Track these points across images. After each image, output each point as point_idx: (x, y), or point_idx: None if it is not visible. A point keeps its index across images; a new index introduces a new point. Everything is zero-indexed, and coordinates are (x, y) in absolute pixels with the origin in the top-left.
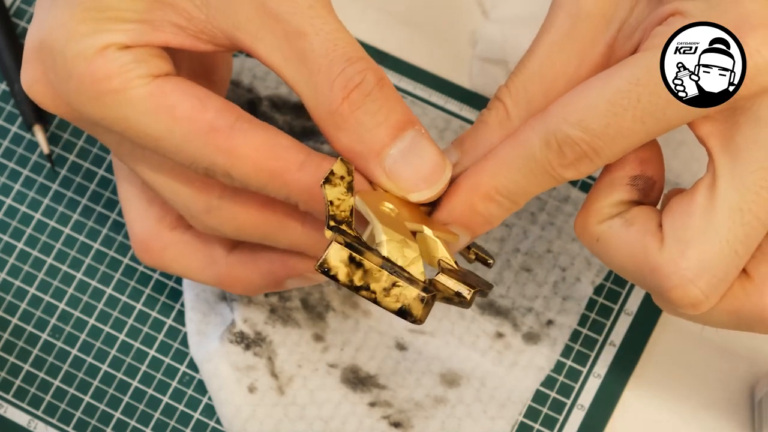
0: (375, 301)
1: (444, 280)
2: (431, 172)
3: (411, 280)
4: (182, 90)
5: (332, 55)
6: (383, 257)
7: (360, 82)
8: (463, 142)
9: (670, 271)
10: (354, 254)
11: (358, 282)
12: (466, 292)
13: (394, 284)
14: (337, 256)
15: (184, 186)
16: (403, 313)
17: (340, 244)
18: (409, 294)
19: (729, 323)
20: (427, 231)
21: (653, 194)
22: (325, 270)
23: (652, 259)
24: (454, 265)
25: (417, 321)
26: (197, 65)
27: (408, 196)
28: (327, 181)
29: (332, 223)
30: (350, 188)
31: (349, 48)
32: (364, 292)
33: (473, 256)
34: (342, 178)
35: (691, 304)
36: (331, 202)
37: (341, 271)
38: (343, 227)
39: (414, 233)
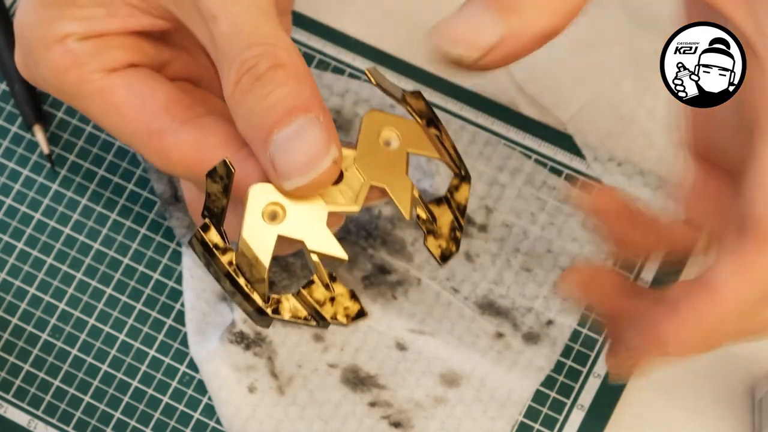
0: (229, 297)
1: (299, 300)
2: (307, 160)
3: (248, 297)
4: (130, 88)
5: (235, 39)
6: (231, 265)
7: (252, 66)
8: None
9: None
10: (206, 253)
11: (213, 275)
12: (312, 320)
13: (234, 293)
14: (197, 246)
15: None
16: (248, 316)
17: (197, 239)
18: (246, 308)
19: None
20: (310, 248)
21: None
22: (192, 248)
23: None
24: (325, 289)
25: (259, 326)
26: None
27: (282, 185)
28: (210, 175)
29: (206, 214)
30: (226, 190)
31: (253, 32)
32: (220, 284)
33: (424, 215)
34: (221, 178)
35: None
36: (209, 195)
37: (200, 258)
38: (214, 222)
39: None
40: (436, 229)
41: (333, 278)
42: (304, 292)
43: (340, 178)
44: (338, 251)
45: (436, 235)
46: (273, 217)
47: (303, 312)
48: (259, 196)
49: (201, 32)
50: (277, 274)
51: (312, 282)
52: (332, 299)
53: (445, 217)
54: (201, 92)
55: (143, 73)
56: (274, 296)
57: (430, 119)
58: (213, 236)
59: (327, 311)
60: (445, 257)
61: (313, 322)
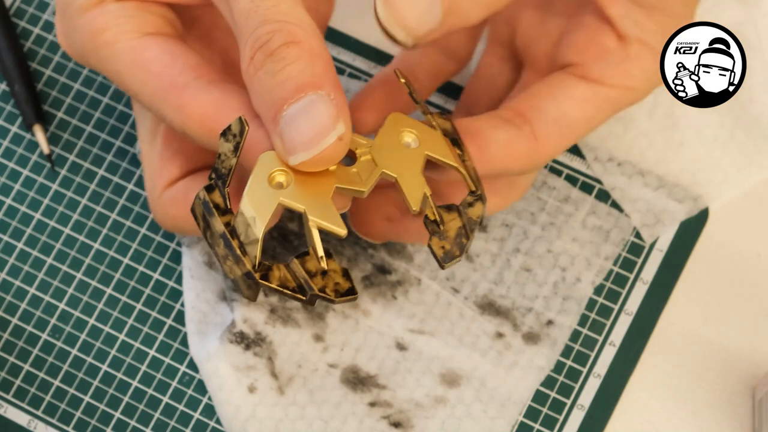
0: (221, 264)
1: (290, 271)
2: (312, 136)
3: (239, 259)
4: (162, 48)
5: (251, 15)
6: (228, 226)
7: (265, 42)
8: None
9: None
10: (206, 213)
11: (209, 239)
12: (300, 294)
13: (227, 256)
14: (198, 207)
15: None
16: (236, 285)
17: (199, 200)
18: (237, 271)
19: None
20: (310, 217)
21: None
22: (193, 214)
23: None
24: (318, 261)
25: (246, 297)
26: None
27: (287, 160)
28: (223, 134)
29: (213, 176)
30: (236, 149)
31: (269, 9)
32: (214, 250)
33: (432, 216)
34: (234, 135)
35: None
36: (220, 155)
37: (199, 223)
38: (220, 183)
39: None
40: (442, 231)
41: (329, 255)
42: (297, 261)
43: (353, 160)
44: (337, 225)
45: (441, 236)
46: (278, 185)
47: (292, 283)
48: (268, 163)
49: (223, 8)
50: None
51: (306, 253)
52: (324, 273)
53: (453, 223)
54: None
55: (175, 40)
56: (266, 263)
57: (455, 140)
58: (216, 197)
59: (316, 283)
60: (447, 259)
61: (300, 295)
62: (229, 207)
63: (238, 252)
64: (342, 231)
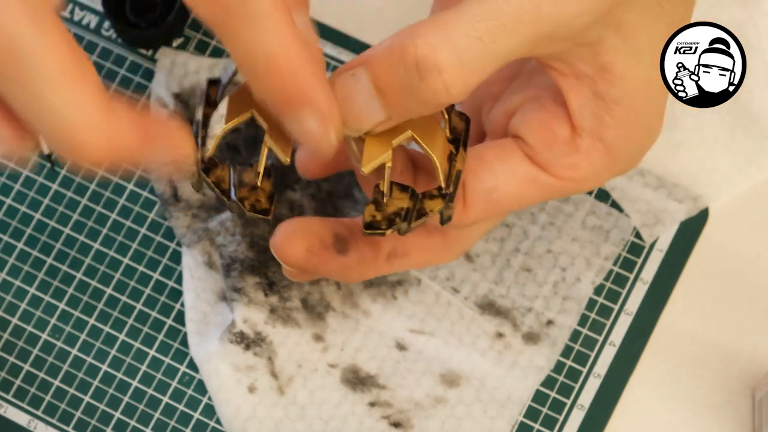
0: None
1: (230, 174)
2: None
3: (199, 146)
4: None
5: None
6: (207, 118)
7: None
8: None
9: None
10: (199, 100)
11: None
12: (226, 196)
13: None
14: (201, 95)
15: None
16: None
17: (201, 87)
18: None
19: None
20: (266, 137)
21: None
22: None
23: None
24: (254, 176)
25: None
26: None
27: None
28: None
29: (222, 73)
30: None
31: None
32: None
33: (381, 186)
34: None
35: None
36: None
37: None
38: (225, 79)
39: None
40: (382, 203)
41: (268, 175)
42: (239, 168)
43: None
44: (284, 153)
45: (378, 207)
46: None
47: (225, 185)
48: (242, 98)
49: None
50: (276, 274)
51: (251, 165)
52: (254, 188)
53: (398, 201)
54: None
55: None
56: (217, 160)
57: (457, 139)
58: (214, 91)
59: (240, 193)
60: (369, 227)
61: (225, 198)
62: (218, 102)
63: (198, 141)
64: (285, 159)
